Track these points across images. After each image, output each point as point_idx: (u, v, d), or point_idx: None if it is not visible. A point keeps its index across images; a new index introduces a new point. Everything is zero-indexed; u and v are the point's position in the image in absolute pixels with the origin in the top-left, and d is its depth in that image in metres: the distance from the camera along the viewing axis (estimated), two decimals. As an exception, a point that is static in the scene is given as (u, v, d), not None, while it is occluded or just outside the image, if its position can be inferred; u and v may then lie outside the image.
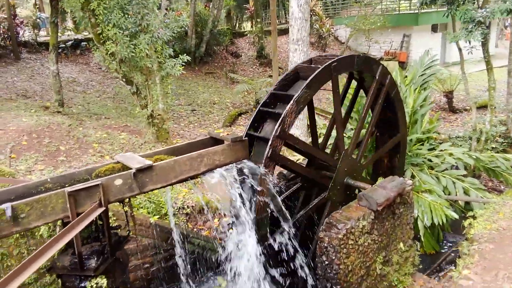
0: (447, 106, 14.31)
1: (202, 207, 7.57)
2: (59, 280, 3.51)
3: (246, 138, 4.62)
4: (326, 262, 5.06)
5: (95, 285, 3.32)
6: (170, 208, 6.83)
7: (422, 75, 9.30)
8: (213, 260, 6.81)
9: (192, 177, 4.13)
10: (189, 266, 6.08)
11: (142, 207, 6.59)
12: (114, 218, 5.44)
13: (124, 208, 4.20)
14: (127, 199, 3.71)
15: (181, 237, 6.32)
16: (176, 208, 7.19)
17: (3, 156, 6.29)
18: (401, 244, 5.87)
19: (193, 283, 6.33)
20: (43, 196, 3.08)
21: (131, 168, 3.62)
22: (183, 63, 8.20)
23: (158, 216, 6.62)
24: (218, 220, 7.65)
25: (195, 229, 7.20)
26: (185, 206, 7.44)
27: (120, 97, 13.96)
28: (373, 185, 5.72)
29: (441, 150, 8.69)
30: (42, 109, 9.65)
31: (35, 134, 7.42)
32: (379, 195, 5.31)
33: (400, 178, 5.96)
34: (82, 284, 3.34)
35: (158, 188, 3.84)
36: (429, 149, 8.71)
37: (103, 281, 3.35)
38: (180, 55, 8.32)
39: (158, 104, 8.71)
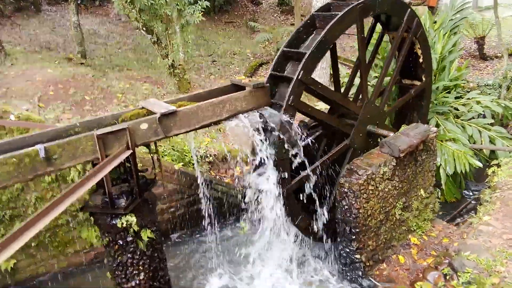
0: (477, 53, 13.65)
1: (225, 156, 7.73)
2: (92, 218, 3.74)
3: (268, 84, 4.60)
4: (346, 207, 5.17)
5: (125, 223, 3.53)
6: (194, 155, 7.00)
7: (452, 19, 8.83)
8: (235, 205, 7.06)
9: (215, 123, 4.19)
10: (212, 211, 6.34)
11: (166, 155, 6.79)
12: (141, 165, 5.64)
13: (150, 153, 4.35)
14: (153, 143, 3.82)
15: (205, 183, 6.53)
16: (199, 156, 7.36)
17: (31, 106, 6.51)
18: (422, 191, 5.91)
19: (216, 227, 6.63)
20: (73, 139, 3.21)
21: (155, 113, 3.70)
22: (202, 10, 8.04)
23: (182, 164, 6.82)
24: (240, 168, 7.82)
25: (217, 177, 7.40)
26: (208, 155, 7.60)
27: (141, 48, 13.92)
28: (396, 133, 5.69)
29: (469, 99, 8.44)
30: (65, 60, 9.77)
31: (61, 84, 7.59)
32: (401, 142, 5.28)
33: (424, 125, 5.89)
34: (113, 222, 3.55)
35: (182, 133, 3.93)
36: (456, 97, 8.46)
37: (132, 219, 3.55)
38: (199, 1, 8.14)
39: (179, 54, 8.68)
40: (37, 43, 11.75)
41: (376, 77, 8.32)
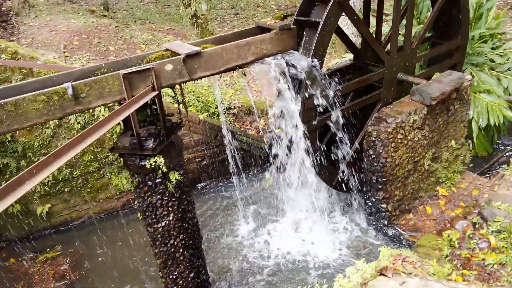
0: (517, 2, 12.74)
1: (249, 107, 7.66)
2: (121, 159, 3.80)
3: (295, 26, 4.41)
4: (373, 156, 5.08)
5: (153, 164, 3.56)
6: (220, 104, 6.96)
7: (492, -38, 8.15)
8: (260, 157, 7.07)
9: (240, 66, 4.08)
10: (237, 161, 6.37)
11: (191, 105, 6.78)
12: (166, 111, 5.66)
13: (177, 98, 4.32)
14: (178, 86, 3.78)
15: (230, 134, 6.53)
16: (224, 108, 7.32)
17: (57, 54, 6.53)
18: (453, 142, 5.73)
19: (241, 177, 6.69)
20: (100, 77, 3.19)
21: (180, 55, 3.62)
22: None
23: (206, 114, 6.80)
24: (264, 121, 7.76)
25: (242, 129, 7.38)
26: (232, 107, 7.55)
27: (163, 1, 13.65)
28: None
29: (505, 49, 7.94)
30: (88, 12, 9.69)
31: (85, 34, 7.56)
32: (434, 89, 5.07)
33: (458, 72, 5.62)
34: (142, 163, 3.58)
35: (207, 76, 3.86)
36: (492, 48, 7.98)
37: (161, 160, 3.58)
38: None
39: (201, 3, 8.45)
40: (59, -4, 11.66)
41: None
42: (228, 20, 12.87)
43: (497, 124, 6.87)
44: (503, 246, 4.19)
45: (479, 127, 7.01)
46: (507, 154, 7.06)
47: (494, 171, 6.79)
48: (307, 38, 4.63)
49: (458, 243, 4.47)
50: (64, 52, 6.26)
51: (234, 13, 13.48)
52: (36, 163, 2.00)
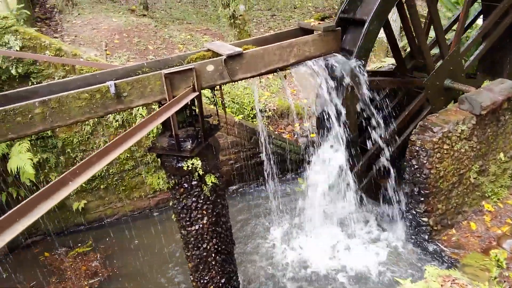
0: None
1: (283, 110, 7.54)
2: (159, 160, 3.77)
3: (339, 28, 4.25)
4: (416, 166, 4.83)
5: (191, 165, 3.50)
6: (257, 107, 6.87)
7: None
8: (294, 161, 6.92)
9: (281, 68, 3.97)
10: (272, 165, 6.25)
11: (226, 107, 6.72)
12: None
13: (215, 99, 4.27)
14: (219, 87, 3.71)
15: (265, 136, 6.42)
16: (259, 110, 7.23)
17: (99, 52, 6.65)
18: (501, 154, 5.39)
19: (275, 181, 6.55)
20: (142, 77, 3.16)
21: (222, 55, 3.55)
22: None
23: (241, 116, 6.73)
24: (299, 125, 7.61)
25: (276, 132, 7.27)
26: (267, 109, 7.45)
27: (201, 2, 13.73)
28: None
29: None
30: (128, 12, 9.85)
31: (125, 33, 7.67)
32: (484, 98, 4.78)
33: (510, 81, 5.27)
34: (179, 164, 3.53)
35: (248, 78, 3.77)
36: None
37: (197, 162, 3.51)
38: None
39: (240, 4, 8.40)
40: (101, -5, 11.95)
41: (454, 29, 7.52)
42: (264, 21, 12.79)
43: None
44: (557, 270, 3.87)
45: (529, 139, 6.60)
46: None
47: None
48: (351, 37, 4.46)
49: (506, 264, 4.17)
50: (106, 50, 6.35)
51: (271, 14, 13.38)
52: (79, 163, 1.96)
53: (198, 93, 3.41)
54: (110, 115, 5.66)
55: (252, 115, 7.15)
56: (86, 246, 5.78)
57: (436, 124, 4.70)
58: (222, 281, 4.18)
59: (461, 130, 4.77)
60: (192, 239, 3.90)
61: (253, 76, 3.82)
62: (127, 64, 6.56)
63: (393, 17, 8.59)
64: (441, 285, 2.66)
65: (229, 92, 7.03)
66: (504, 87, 5.04)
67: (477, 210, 5.40)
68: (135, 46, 7.35)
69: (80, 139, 5.72)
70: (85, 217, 6.15)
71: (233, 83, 6.78)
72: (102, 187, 6.01)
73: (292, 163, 6.93)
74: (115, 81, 3.07)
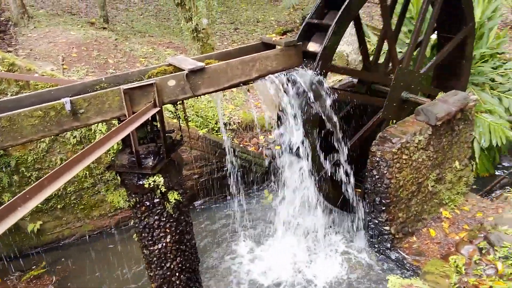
0: (515, 23, 12.87)
1: (248, 123, 7.55)
2: (119, 178, 3.65)
3: (300, 43, 4.33)
4: (377, 176, 4.96)
5: (152, 183, 3.41)
6: (221, 120, 6.84)
7: (492, -17, 8.21)
8: (260, 174, 6.93)
9: (244, 83, 3.98)
10: (237, 179, 6.22)
11: (190, 121, 6.65)
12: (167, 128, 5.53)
13: (176, 113, 4.20)
14: (181, 102, 3.66)
15: (230, 150, 6.40)
16: (223, 124, 7.21)
17: (55, 67, 6.41)
18: (457, 163, 5.63)
19: (240, 194, 6.52)
20: (100, 93, 3.07)
21: (183, 70, 3.52)
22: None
23: (206, 130, 6.68)
24: (264, 137, 7.65)
25: (241, 145, 7.26)
26: (231, 122, 7.44)
27: (163, 14, 13.65)
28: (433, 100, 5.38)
29: (506, 69, 7.94)
30: (88, 24, 9.62)
31: (84, 47, 7.46)
32: (439, 109, 4.99)
33: (463, 92, 5.55)
34: (140, 182, 3.44)
35: (210, 92, 3.75)
36: (492, 68, 7.98)
37: (159, 179, 3.43)
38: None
39: (202, 17, 8.40)
40: (59, 7, 11.63)
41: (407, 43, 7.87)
42: (228, 34, 12.88)
43: (499, 144, 6.82)
44: (511, 273, 4.06)
45: (481, 147, 6.95)
46: (507, 177, 6.97)
47: (497, 193, 6.69)
48: (315, 42, 4.58)
49: (465, 269, 4.34)
50: (63, 64, 6.14)
51: (234, 28, 13.50)
52: (30, 186, 1.85)
53: (159, 108, 3.35)
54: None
55: (217, 129, 7.11)
56: (40, 268, 5.47)
57: (394, 135, 4.86)
58: (188, 300, 4.08)
59: (418, 140, 4.94)
60: (155, 258, 3.79)
61: (216, 91, 3.80)
62: (86, 78, 6.37)
63: (352, 31, 8.88)
64: (404, 295, 2.70)
65: (193, 106, 6.97)
66: (458, 98, 5.29)
67: (436, 217, 5.59)
68: (94, 59, 7.16)
69: (35, 157, 5.46)
70: (41, 239, 5.84)
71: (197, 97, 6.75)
72: (59, 206, 5.74)
73: (258, 175, 6.93)
74: (71, 98, 2.96)
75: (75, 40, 7.61)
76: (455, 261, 4.32)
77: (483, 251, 4.50)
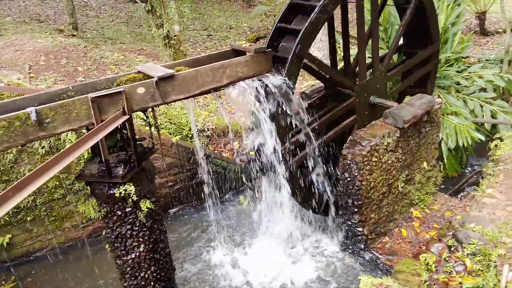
0: (478, 28, 13.41)
1: (222, 130, 7.56)
2: (89, 188, 3.59)
3: (270, 49, 4.38)
4: (348, 179, 5.05)
5: (123, 192, 3.37)
6: (194, 126, 6.81)
7: (455, -10, 8.56)
8: (235, 180, 6.93)
9: (215, 89, 3.99)
10: (212, 185, 6.20)
11: (163, 128, 6.60)
12: (137, 136, 5.47)
13: (147, 120, 4.18)
14: (151, 110, 3.64)
15: (204, 157, 6.38)
16: (197, 130, 7.19)
17: (22, 75, 6.24)
18: (425, 164, 5.81)
19: (215, 201, 6.50)
20: (66, 102, 3.02)
21: (153, 77, 3.50)
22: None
23: (179, 137, 6.64)
24: (238, 143, 7.67)
25: (216, 151, 7.25)
26: (206, 129, 7.43)
27: (134, 21, 13.53)
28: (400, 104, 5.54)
29: (470, 72, 8.27)
30: (56, 32, 9.43)
31: (52, 55, 7.30)
32: (406, 112, 5.15)
33: (428, 96, 5.74)
34: (111, 191, 3.39)
35: (181, 99, 3.74)
36: (457, 71, 8.29)
37: (131, 188, 3.40)
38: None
39: (174, 24, 8.39)
40: (26, 14, 11.35)
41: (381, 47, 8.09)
42: (200, 41, 12.87)
43: (465, 145, 7.07)
44: (479, 269, 4.19)
45: (448, 148, 7.19)
46: (475, 175, 7.23)
47: (464, 192, 6.93)
48: (285, 47, 4.66)
49: (435, 267, 4.45)
50: (30, 73, 5.99)
51: (207, 34, 13.51)
52: (-8, 199, 1.81)
53: (128, 116, 3.32)
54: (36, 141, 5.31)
55: (190, 135, 7.08)
56: (10, 282, 5.28)
57: (364, 138, 4.97)
58: (163, 309, 4.03)
59: (387, 142, 5.08)
60: (128, 268, 3.73)
61: (186, 98, 3.80)
62: (54, 87, 6.24)
63: (323, 37, 9.04)
64: (374, 294, 2.76)
65: (165, 113, 6.93)
66: (424, 101, 5.47)
67: (407, 217, 5.74)
68: (63, 68, 7.02)
69: (2, 168, 5.29)
70: (10, 253, 5.64)
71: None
72: (28, 219, 5.57)
73: (233, 181, 6.93)
74: (37, 107, 2.90)
75: (43, 48, 7.44)
76: (425, 259, 4.42)
77: (452, 249, 4.63)
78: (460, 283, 4.11)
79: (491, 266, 4.06)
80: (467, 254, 4.35)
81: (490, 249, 4.19)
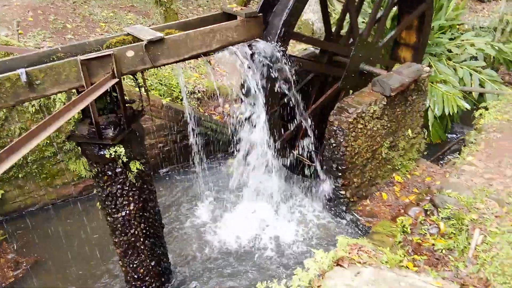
0: (475, -6, 13.24)
1: (213, 92, 7.58)
2: (79, 148, 3.68)
3: (261, 14, 4.36)
4: (334, 145, 5.20)
5: (113, 153, 3.47)
6: (184, 89, 6.83)
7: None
8: (224, 143, 7.06)
9: (204, 54, 4.01)
10: (201, 147, 6.33)
11: (153, 89, 6.61)
12: (127, 98, 5.49)
13: (137, 85, 4.21)
14: (140, 72, 3.67)
15: (194, 119, 6.45)
16: (188, 92, 7.20)
17: (10, 32, 6.13)
18: (409, 131, 5.96)
19: (204, 162, 6.66)
20: (56, 63, 3.04)
21: (142, 40, 3.51)
22: None
23: (169, 99, 6.67)
24: (229, 106, 7.72)
25: (206, 114, 7.31)
26: (196, 91, 7.44)
27: (124, -24, 13.03)
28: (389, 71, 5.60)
29: (462, 40, 8.27)
30: (43, -15, 9.11)
31: (40, 10, 7.12)
32: (394, 81, 5.22)
33: (417, 64, 5.80)
34: (101, 152, 3.49)
35: (170, 63, 3.77)
36: (450, 39, 8.28)
37: (121, 149, 3.49)
38: None
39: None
40: (11, -35, 10.86)
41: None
42: (193, -1, 12.51)
43: (451, 113, 7.21)
44: (451, 232, 4.45)
45: (434, 115, 7.33)
46: (458, 144, 7.43)
47: (446, 159, 7.16)
48: (273, 24, 4.62)
49: (410, 229, 4.70)
50: (18, 29, 5.87)
51: (200, -9, 13.10)
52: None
53: (118, 79, 3.36)
54: (26, 100, 5.32)
55: (181, 97, 7.10)
56: (0, 236, 5.47)
57: (351, 106, 5.07)
58: (152, 263, 4.26)
59: (374, 110, 5.19)
60: (119, 225, 3.90)
61: (176, 62, 3.82)
62: (42, 44, 6.15)
63: (315, 8, 8.88)
64: (349, 253, 2.98)
65: (156, 74, 6.91)
66: (412, 70, 5.54)
67: (388, 182, 5.96)
68: (52, 24, 6.87)
69: (-8, 126, 5.34)
70: (4, 208, 5.80)
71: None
72: (20, 176, 5.68)
73: (222, 143, 7.06)
74: (27, 69, 2.92)
75: (31, 3, 7.23)
76: (402, 222, 4.67)
77: (428, 213, 4.88)
78: (433, 244, 4.38)
79: (463, 229, 4.32)
80: (442, 218, 4.59)
81: (464, 213, 4.43)
